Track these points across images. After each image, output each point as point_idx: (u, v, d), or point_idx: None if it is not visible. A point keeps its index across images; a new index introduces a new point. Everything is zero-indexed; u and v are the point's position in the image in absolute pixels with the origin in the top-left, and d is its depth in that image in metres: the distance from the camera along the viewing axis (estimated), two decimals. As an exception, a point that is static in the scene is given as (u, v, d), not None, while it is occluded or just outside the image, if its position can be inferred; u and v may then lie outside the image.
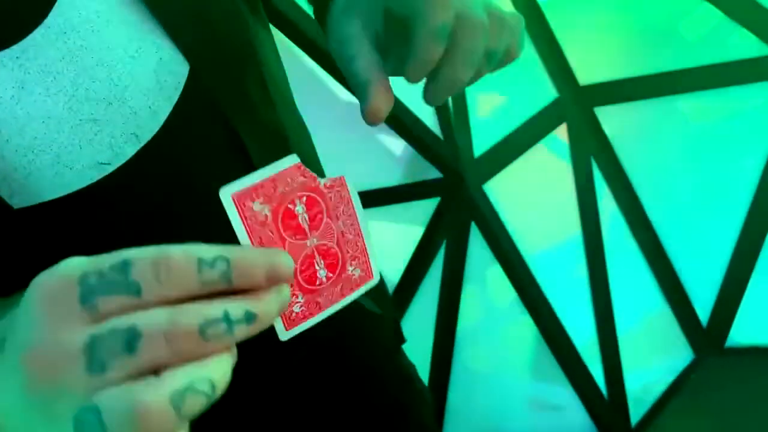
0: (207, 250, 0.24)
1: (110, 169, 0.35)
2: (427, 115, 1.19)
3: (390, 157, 1.24)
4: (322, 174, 0.53)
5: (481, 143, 1.25)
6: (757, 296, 1.41)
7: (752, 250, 1.38)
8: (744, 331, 1.45)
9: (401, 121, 1.12)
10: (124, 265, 0.23)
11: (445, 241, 1.29)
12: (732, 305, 1.44)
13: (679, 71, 1.29)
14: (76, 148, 0.34)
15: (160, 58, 0.36)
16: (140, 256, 0.23)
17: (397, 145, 1.22)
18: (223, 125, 0.39)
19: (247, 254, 0.24)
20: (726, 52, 1.25)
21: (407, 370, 0.57)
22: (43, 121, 0.33)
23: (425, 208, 1.27)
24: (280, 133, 0.45)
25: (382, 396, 0.52)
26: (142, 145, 0.36)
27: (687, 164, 1.38)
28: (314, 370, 0.46)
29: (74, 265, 0.23)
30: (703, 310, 1.47)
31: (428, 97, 0.34)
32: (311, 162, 0.50)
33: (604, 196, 1.41)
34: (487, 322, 1.38)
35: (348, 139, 1.16)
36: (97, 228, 0.36)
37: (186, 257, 0.23)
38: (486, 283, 1.35)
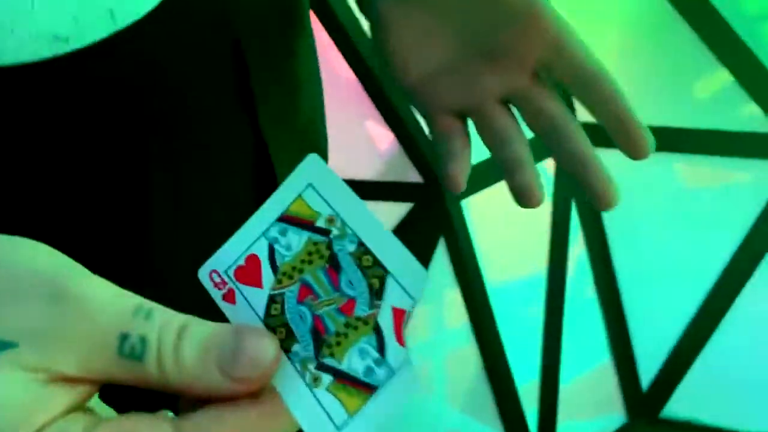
0: None
1: (68, 48, 0.27)
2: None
3: (373, 149, 1.17)
4: (324, 138, 0.46)
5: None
6: (704, 372, 1.39)
7: (709, 324, 1.36)
8: (682, 405, 1.42)
9: (395, 113, 1.05)
10: None
11: (408, 251, 1.23)
12: (676, 376, 1.41)
13: (680, 129, 1.26)
14: (26, 9, 0.26)
15: None
16: None
17: (383, 138, 1.16)
18: (227, 38, 0.31)
19: None
20: (731, 121, 1.22)
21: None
22: None
23: (396, 211, 1.21)
24: (294, 72, 0.37)
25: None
26: (116, 28, 0.27)
27: (665, 225, 1.36)
28: None
29: None
30: (647, 375, 1.44)
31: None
32: (317, 122, 0.44)
33: (576, 240, 1.38)
34: (432, 344, 1.32)
35: (334, 119, 1.09)
36: (43, 114, 0.28)
37: None
38: (440, 304, 1.29)
